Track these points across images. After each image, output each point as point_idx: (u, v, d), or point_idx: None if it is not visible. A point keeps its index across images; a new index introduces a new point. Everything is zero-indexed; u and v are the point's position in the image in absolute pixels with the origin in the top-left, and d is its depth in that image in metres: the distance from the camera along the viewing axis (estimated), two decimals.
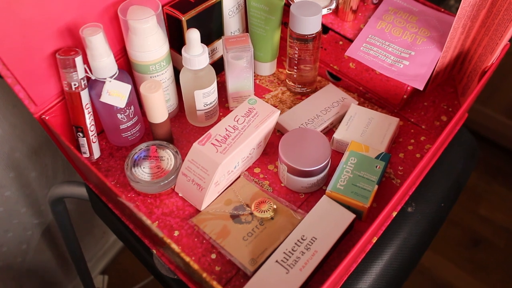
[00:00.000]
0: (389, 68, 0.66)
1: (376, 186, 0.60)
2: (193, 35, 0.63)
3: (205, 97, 0.68)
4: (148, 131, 0.72)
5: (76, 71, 0.60)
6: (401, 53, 0.68)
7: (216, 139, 0.61)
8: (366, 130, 0.67)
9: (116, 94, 0.63)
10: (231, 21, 0.75)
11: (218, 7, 0.71)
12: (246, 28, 0.79)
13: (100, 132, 0.72)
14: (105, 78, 0.62)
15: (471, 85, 0.70)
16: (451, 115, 0.72)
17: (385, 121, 0.68)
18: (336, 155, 0.69)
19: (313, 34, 0.67)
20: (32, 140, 0.87)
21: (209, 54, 0.74)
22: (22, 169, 0.88)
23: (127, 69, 0.69)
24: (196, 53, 0.64)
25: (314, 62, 0.72)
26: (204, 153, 0.60)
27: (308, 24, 0.66)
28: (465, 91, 0.72)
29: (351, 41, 0.70)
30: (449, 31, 0.66)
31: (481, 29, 0.68)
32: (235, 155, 0.61)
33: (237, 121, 0.64)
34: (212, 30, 0.73)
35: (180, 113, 0.74)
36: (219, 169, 0.59)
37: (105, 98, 0.63)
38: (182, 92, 0.70)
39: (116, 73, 0.63)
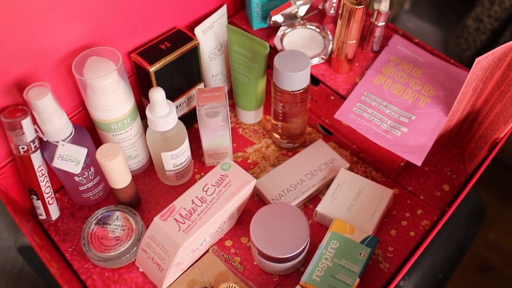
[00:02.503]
0: (384, 136, 0.57)
1: (358, 280, 0.52)
2: (156, 96, 0.55)
3: (174, 159, 0.61)
4: None
5: (24, 134, 0.53)
6: (400, 116, 0.59)
7: (180, 214, 0.54)
8: (354, 204, 0.59)
9: (70, 159, 0.56)
10: (213, 64, 0.67)
11: (194, 52, 0.62)
12: (230, 70, 0.71)
13: (61, 188, 0.65)
14: (57, 142, 0.55)
15: (479, 152, 0.60)
16: (454, 183, 0.63)
17: (377, 194, 0.60)
18: (319, 228, 0.61)
19: (299, 90, 0.59)
20: None
21: (184, 103, 0.67)
22: None
23: (88, 124, 0.61)
24: (162, 114, 0.56)
25: (302, 116, 0.63)
26: (165, 231, 0.53)
27: (294, 80, 0.58)
28: (472, 157, 0.62)
29: (344, 98, 0.61)
30: (458, 92, 0.56)
31: (495, 92, 0.58)
32: (201, 233, 0.54)
33: (206, 191, 0.56)
34: (187, 77, 0.65)
35: (151, 166, 0.67)
36: (180, 250, 0.52)
37: (58, 163, 0.56)
38: (150, 152, 0.62)
39: (71, 134, 0.56)
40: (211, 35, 0.65)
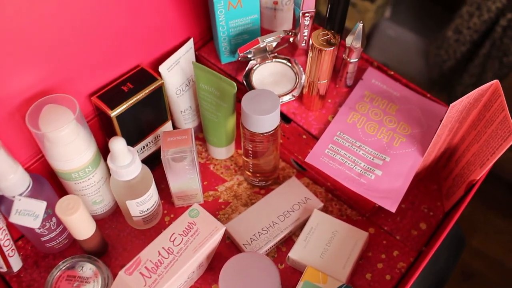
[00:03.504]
0: (357, 180, 0.55)
1: None
2: (117, 147, 0.52)
3: (140, 206, 0.58)
4: None
5: None
6: (373, 158, 0.56)
7: (146, 267, 0.52)
8: (328, 248, 0.57)
9: (28, 214, 0.53)
10: (180, 100, 0.64)
11: (158, 92, 0.59)
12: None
13: (23, 236, 0.62)
14: (13, 197, 0.52)
15: (456, 190, 0.59)
16: (431, 221, 0.61)
17: (351, 237, 0.58)
18: (292, 273, 0.59)
19: (269, 132, 0.56)
20: None
21: (151, 142, 0.64)
22: None
23: (49, 169, 0.58)
24: (124, 163, 0.54)
25: (273, 154, 0.61)
26: (130, 287, 0.50)
27: (262, 122, 0.55)
28: (449, 194, 0.61)
29: (316, 138, 0.59)
30: (434, 129, 0.55)
31: (471, 131, 0.57)
32: (168, 286, 0.51)
33: (173, 241, 0.53)
34: (153, 117, 0.62)
35: (118, 209, 0.64)
36: None
37: (15, 218, 0.52)
38: (115, 198, 0.59)
39: (28, 187, 0.52)
40: (177, 71, 0.62)
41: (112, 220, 0.64)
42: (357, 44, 0.55)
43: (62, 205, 0.52)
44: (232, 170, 0.68)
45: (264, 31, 0.68)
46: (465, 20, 1.16)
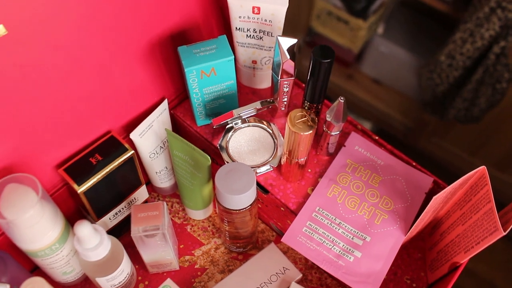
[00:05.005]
0: (335, 262, 0.53)
1: None
2: (81, 233, 0.49)
3: (110, 281, 0.55)
4: None
5: None
6: (353, 237, 0.54)
7: None
8: None
9: None
10: (155, 162, 0.61)
11: (130, 162, 0.57)
12: None
13: None
14: None
15: (440, 266, 0.56)
16: None
17: None
18: None
19: (244, 208, 0.54)
20: None
21: (125, 207, 0.61)
22: None
23: (13, 244, 0.55)
24: (91, 245, 0.51)
25: (250, 224, 0.58)
26: None
27: (236, 201, 0.52)
28: (433, 267, 0.58)
29: (294, 213, 0.56)
30: (418, 202, 0.53)
31: (457, 209, 0.54)
32: None
33: None
34: (125, 185, 0.59)
35: None
36: None
37: None
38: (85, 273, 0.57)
39: None
40: (150, 135, 0.59)
41: (85, 287, 0.61)
42: (338, 121, 0.52)
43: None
44: (210, 232, 0.65)
45: (244, 88, 0.65)
46: (458, 46, 1.13)
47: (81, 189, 0.53)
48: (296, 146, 0.51)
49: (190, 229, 0.66)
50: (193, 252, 0.64)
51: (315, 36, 1.52)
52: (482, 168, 0.49)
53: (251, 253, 0.63)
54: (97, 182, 0.54)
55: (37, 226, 0.50)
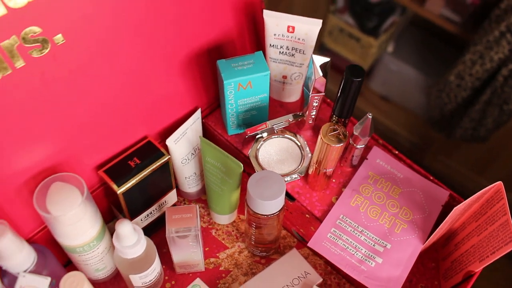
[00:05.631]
0: (358, 267, 0.56)
1: None
2: (123, 230, 0.52)
3: (142, 279, 0.59)
4: None
5: None
6: (375, 244, 0.57)
7: None
8: None
9: None
10: (185, 168, 0.65)
11: (165, 167, 0.60)
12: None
13: None
14: (18, 273, 0.52)
15: (454, 275, 0.60)
16: None
17: None
18: None
19: (273, 213, 0.57)
20: None
21: (156, 210, 0.64)
22: None
23: (52, 240, 0.58)
24: (129, 243, 0.54)
25: (276, 229, 0.62)
26: None
27: (266, 206, 0.56)
28: (447, 277, 0.62)
29: (319, 220, 0.59)
30: (435, 214, 0.56)
31: (472, 221, 0.58)
32: None
33: None
34: (158, 188, 0.62)
35: (120, 273, 0.65)
36: None
37: None
38: (119, 270, 0.60)
39: (33, 263, 0.53)
40: (184, 142, 0.62)
41: (114, 284, 0.64)
42: (364, 136, 0.56)
43: (66, 283, 0.53)
44: (234, 236, 0.68)
45: (272, 101, 0.68)
46: (467, 67, 1.17)
47: (120, 190, 0.56)
48: (326, 157, 0.54)
49: (215, 233, 0.69)
50: (217, 255, 0.67)
51: (326, 52, 1.56)
52: (499, 183, 0.52)
53: (273, 257, 0.66)
54: (134, 184, 0.57)
55: (79, 224, 0.53)
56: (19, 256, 0.51)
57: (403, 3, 1.35)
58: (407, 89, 1.52)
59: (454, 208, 0.50)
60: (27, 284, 0.53)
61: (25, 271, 0.53)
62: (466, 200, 0.51)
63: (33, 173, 0.53)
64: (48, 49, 0.46)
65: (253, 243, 0.65)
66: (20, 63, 0.45)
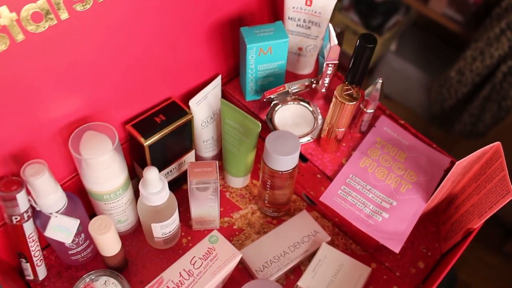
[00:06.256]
0: (366, 221, 0.60)
1: None
2: (150, 175, 0.56)
3: (163, 229, 0.63)
4: None
5: (18, 205, 0.54)
6: (381, 201, 0.62)
7: (167, 287, 0.56)
8: (334, 280, 0.62)
9: (63, 230, 0.57)
10: (204, 131, 0.69)
11: (188, 125, 0.64)
12: (221, 135, 0.73)
13: (49, 245, 0.66)
14: (51, 213, 0.56)
15: (454, 235, 0.64)
16: (429, 261, 0.67)
17: (355, 271, 0.63)
18: None
19: (288, 170, 0.61)
20: None
21: (175, 168, 0.69)
22: None
23: (80, 187, 0.63)
24: (155, 190, 0.58)
25: (289, 189, 0.66)
26: None
27: (283, 162, 0.60)
28: (447, 238, 0.66)
29: (330, 179, 0.64)
30: (438, 178, 0.60)
31: (472, 183, 0.62)
32: None
33: (194, 264, 0.58)
34: (180, 146, 0.67)
35: (139, 227, 0.69)
36: None
37: (50, 233, 0.57)
38: (140, 220, 0.64)
39: (64, 205, 0.57)
40: (204, 105, 0.67)
41: (133, 238, 0.68)
42: (374, 100, 0.61)
43: (95, 225, 0.57)
44: (247, 199, 0.73)
45: (287, 72, 0.73)
46: (468, 63, 1.22)
47: (147, 142, 0.61)
48: (339, 116, 0.59)
49: (229, 195, 0.73)
50: (231, 215, 0.71)
51: None
52: (498, 143, 0.57)
53: (284, 219, 0.71)
54: (159, 139, 0.62)
55: (108, 170, 0.57)
56: (54, 196, 0.55)
57: (407, 2, 1.41)
58: (408, 87, 1.57)
59: (457, 163, 0.54)
60: (58, 224, 0.58)
61: (56, 212, 0.57)
62: (468, 156, 0.55)
63: (67, 121, 0.57)
64: (91, 4, 0.50)
65: (266, 203, 0.69)
66: (65, 16, 0.49)
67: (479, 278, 1.48)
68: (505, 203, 0.54)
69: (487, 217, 0.57)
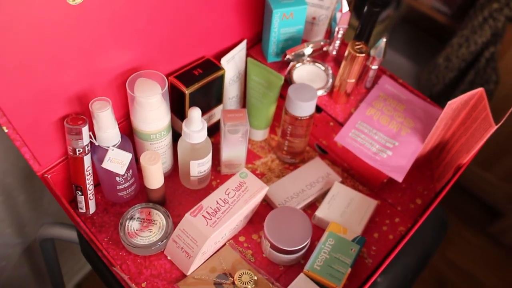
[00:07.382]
0: (373, 157, 0.71)
1: (349, 269, 0.66)
2: (194, 114, 0.67)
3: (199, 166, 0.73)
4: (143, 188, 0.76)
5: (82, 138, 0.64)
6: (386, 142, 0.73)
7: (207, 212, 0.66)
8: (346, 211, 0.73)
9: (117, 162, 0.67)
10: (230, 88, 0.80)
11: (220, 79, 0.75)
12: (243, 94, 0.83)
13: (96, 185, 0.76)
14: (108, 147, 0.66)
15: (446, 174, 0.75)
16: (425, 198, 0.78)
17: (364, 203, 0.74)
18: (316, 229, 0.74)
19: (306, 116, 0.72)
20: (25, 164, 0.88)
21: (207, 120, 0.79)
22: (12, 192, 0.90)
23: (129, 132, 0.73)
24: (196, 129, 0.68)
25: (305, 137, 0.77)
26: (195, 225, 0.64)
27: (303, 108, 0.71)
28: (440, 178, 0.77)
29: (341, 124, 0.75)
30: (432, 125, 0.71)
31: (460, 127, 0.74)
32: (224, 228, 0.66)
33: (228, 194, 0.68)
34: (212, 99, 0.77)
35: (174, 172, 0.79)
36: (207, 241, 0.64)
37: (107, 165, 0.67)
38: (178, 159, 0.74)
39: (118, 141, 0.67)
40: (232, 64, 0.77)
41: (168, 181, 0.78)
42: (380, 55, 0.72)
43: (146, 157, 0.67)
44: (266, 150, 0.83)
45: (301, 40, 0.85)
46: (454, 50, 1.35)
47: (188, 90, 0.71)
48: (351, 68, 0.70)
49: (251, 146, 0.84)
50: (254, 162, 0.81)
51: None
52: (481, 89, 0.69)
53: (300, 165, 0.81)
54: (198, 88, 0.72)
55: (156, 112, 0.68)
56: (113, 131, 0.65)
57: None
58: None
59: (448, 103, 0.66)
60: (114, 157, 0.68)
61: (113, 146, 0.67)
62: (457, 98, 0.67)
63: (121, 70, 0.67)
64: None
65: (285, 151, 0.79)
66: None
67: (465, 258, 1.58)
68: (489, 135, 0.65)
69: (475, 151, 0.68)
